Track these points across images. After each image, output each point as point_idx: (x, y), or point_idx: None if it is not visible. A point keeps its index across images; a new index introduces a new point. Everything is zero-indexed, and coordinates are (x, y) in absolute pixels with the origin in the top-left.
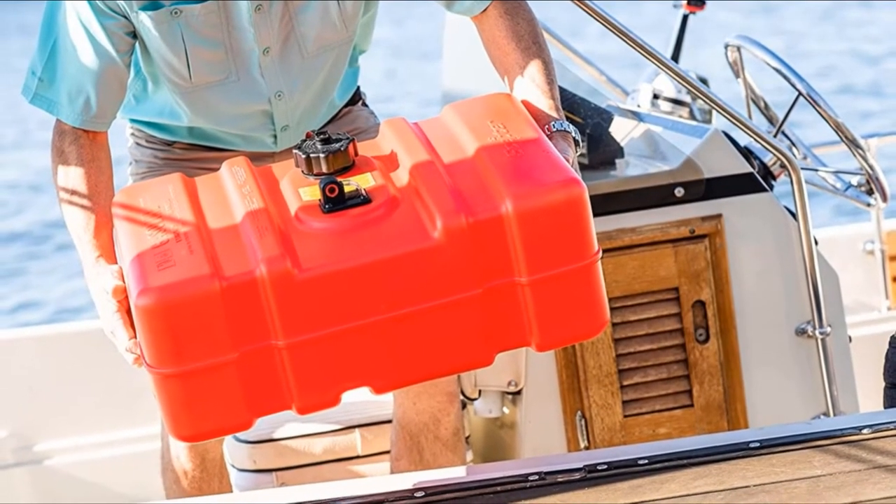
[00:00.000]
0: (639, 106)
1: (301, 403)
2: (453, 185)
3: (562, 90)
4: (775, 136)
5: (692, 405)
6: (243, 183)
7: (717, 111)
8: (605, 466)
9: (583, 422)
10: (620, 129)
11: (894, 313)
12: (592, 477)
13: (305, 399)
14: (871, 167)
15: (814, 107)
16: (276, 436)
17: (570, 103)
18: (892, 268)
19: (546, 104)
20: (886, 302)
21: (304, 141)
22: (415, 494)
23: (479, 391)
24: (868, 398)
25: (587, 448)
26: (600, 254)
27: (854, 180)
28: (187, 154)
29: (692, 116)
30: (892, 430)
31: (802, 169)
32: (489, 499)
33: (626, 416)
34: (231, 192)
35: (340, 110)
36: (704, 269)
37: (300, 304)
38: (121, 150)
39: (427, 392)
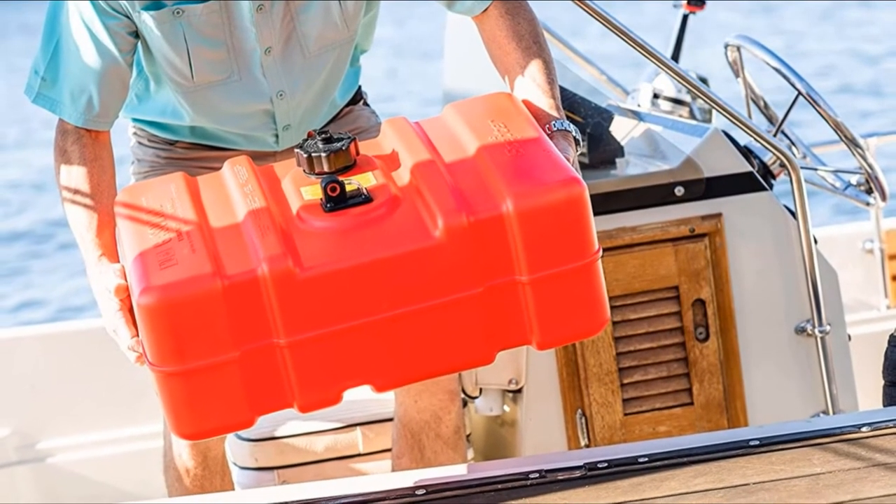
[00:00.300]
0: (639, 105)
1: (302, 401)
2: (454, 184)
3: (562, 90)
4: (775, 135)
5: (692, 403)
6: (245, 182)
7: (717, 110)
8: (606, 464)
9: (583, 420)
10: (621, 129)
11: (893, 312)
12: (593, 475)
13: (307, 397)
14: (870, 166)
15: (813, 106)
16: (277, 434)
17: (571, 103)
18: (891, 266)
19: (547, 103)
20: (885, 300)
21: (306, 140)
22: (416, 492)
23: (480, 389)
24: (867, 396)
25: (587, 446)
26: (600, 252)
27: (853, 179)
28: (189, 153)
29: (692, 116)
30: (891, 428)
31: (802, 168)
32: (490, 496)
33: (626, 415)
34: (233, 191)
35: (342, 110)
36: (704, 268)
37: (302, 303)
38: (123, 149)
39: (428, 390)
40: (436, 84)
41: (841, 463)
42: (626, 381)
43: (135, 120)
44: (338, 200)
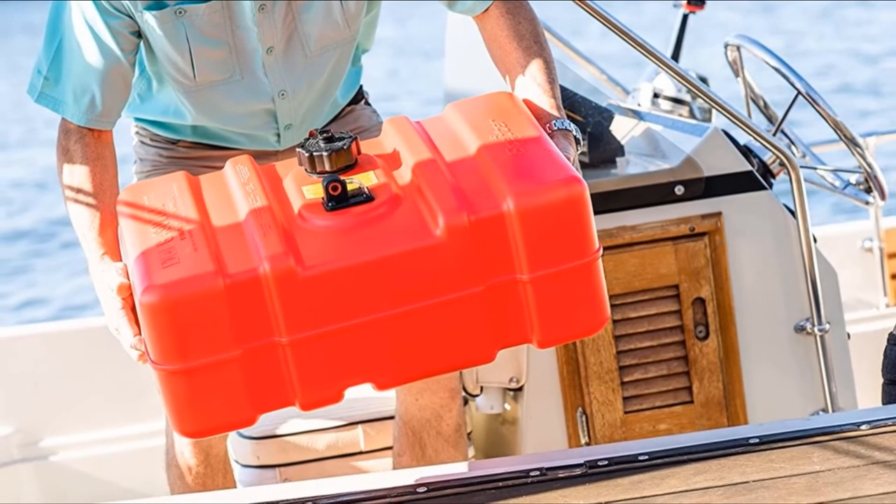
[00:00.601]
0: (639, 105)
1: (304, 400)
2: (455, 183)
3: (563, 89)
4: (774, 134)
5: (692, 401)
6: (247, 181)
7: (717, 110)
8: (606, 462)
9: (583, 418)
10: (621, 128)
11: (892, 310)
12: (593, 473)
13: (308, 395)
14: (869, 165)
15: (813, 106)
16: (279, 432)
17: (571, 102)
18: (890, 265)
19: (547, 103)
20: (885, 299)
21: (308, 139)
22: (417, 490)
23: (481, 387)
24: (866, 394)
25: (588, 444)
26: (601, 251)
27: (853, 178)
28: (191, 152)
29: (692, 115)
30: (890, 426)
31: (801, 167)
32: (490, 494)
33: (626, 413)
34: (235, 190)
35: (343, 109)
36: (704, 267)
37: (303, 302)
38: (126, 148)
39: (429, 388)
40: (437, 83)
41: (840, 461)
42: (626, 380)
43: (137, 119)
44: (339, 199)
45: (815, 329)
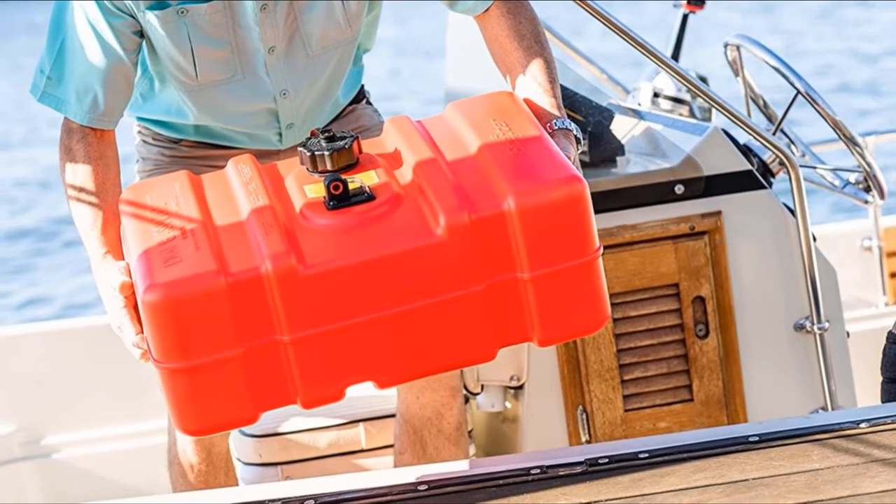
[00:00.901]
0: (639, 104)
1: (306, 398)
2: (456, 182)
3: (563, 88)
4: (774, 133)
5: (692, 400)
6: (249, 180)
7: (717, 109)
8: (606, 460)
9: (584, 416)
10: (621, 127)
11: (892, 309)
12: (593, 470)
13: (310, 394)
14: (868, 164)
15: (812, 105)
16: (281, 430)
17: (572, 101)
18: (889, 264)
19: (548, 102)
20: (884, 298)
21: (309, 139)
22: (418, 488)
23: (482, 386)
24: (866, 393)
25: (588, 442)
26: (601, 250)
27: (852, 177)
28: (194, 152)
29: (692, 115)
30: (889, 424)
31: (801, 166)
32: (491, 492)
33: (626, 411)
34: (237, 189)
35: (345, 108)
36: (704, 266)
37: (305, 300)
38: (128, 147)
39: (430, 387)
40: (438, 83)
41: (839, 459)
42: (626, 378)
43: (139, 119)
44: (341, 198)
45: (815, 327)
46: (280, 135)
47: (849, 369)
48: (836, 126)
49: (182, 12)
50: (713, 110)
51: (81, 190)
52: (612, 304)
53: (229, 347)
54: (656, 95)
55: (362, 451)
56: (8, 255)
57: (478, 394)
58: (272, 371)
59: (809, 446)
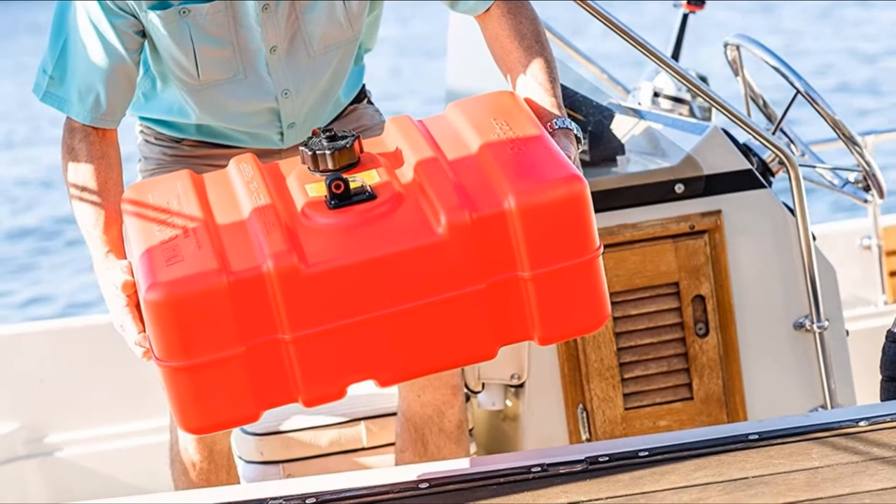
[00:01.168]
0: (639, 104)
1: (307, 396)
2: (457, 181)
3: (564, 88)
4: (774, 133)
5: (692, 398)
6: (250, 179)
7: (717, 109)
8: (607, 458)
9: (584, 414)
10: (621, 127)
11: (891, 307)
12: (594, 469)
13: (311, 392)
14: (867, 164)
15: (812, 104)
16: (282, 428)
17: (572, 101)
18: (888, 263)
19: (548, 102)
20: (883, 296)
21: (311, 138)
22: (419, 486)
23: (483, 384)
24: (865, 391)
25: (589, 440)
26: (601, 249)
27: (851, 177)
28: (195, 151)
29: (692, 114)
30: (888, 422)
31: (800, 166)
32: (492, 490)
33: (626, 409)
34: (238, 188)
35: (346, 108)
36: (704, 265)
37: (306, 299)
38: (130, 146)
39: (431, 385)
40: (439, 82)
41: (839, 457)
42: (626, 376)
43: (141, 118)
44: (342, 198)
45: (814, 326)
46: (281, 134)
47: (848, 368)
48: (835, 125)
49: (184, 12)
50: (713, 110)
51: (84, 189)
52: (613, 303)
53: (231, 346)
54: (656, 95)
55: (363, 449)
56: (10, 254)
57: (479, 392)
58: (274, 369)
59: (809, 444)
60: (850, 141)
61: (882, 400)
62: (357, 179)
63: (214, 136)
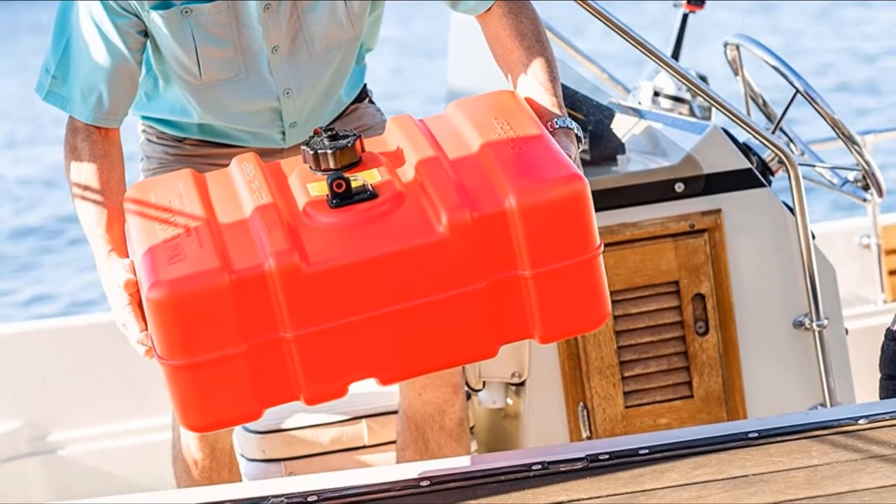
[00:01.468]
0: (640, 103)
1: (309, 394)
2: (458, 180)
3: (564, 87)
4: (773, 132)
5: (692, 396)
6: (252, 178)
7: (717, 108)
8: (607, 456)
9: (585, 412)
10: (622, 126)
11: (890, 306)
12: (594, 466)
13: (313, 390)
14: (867, 163)
15: (811, 104)
16: (284, 426)
17: (573, 100)
18: (887, 261)
19: (549, 101)
20: (882, 295)
21: (312, 137)
22: (420, 483)
23: (484, 382)
24: (864, 389)
25: (589, 438)
26: (602, 248)
27: (850, 176)
28: (197, 150)
29: (692, 113)
30: (888, 420)
31: (800, 165)
32: (493, 488)
33: (627, 407)
34: (240, 187)
35: (347, 107)
36: (704, 263)
37: (308, 298)
38: (132, 146)
39: (432, 383)
40: (440, 82)
41: (838, 455)
42: (626, 375)
43: (144, 117)
44: (343, 197)
45: (814, 325)
46: (283, 133)
47: (847, 366)
48: (834, 125)
49: (186, 12)
50: (713, 109)
51: (86, 188)
52: (613, 302)
53: (233, 344)
54: (656, 94)
55: (365, 447)
56: (13, 253)
57: (479, 390)
58: (275, 368)
59: (808, 442)
60: (849, 140)
61: (881, 398)
62: (358, 178)
63: (216, 136)
